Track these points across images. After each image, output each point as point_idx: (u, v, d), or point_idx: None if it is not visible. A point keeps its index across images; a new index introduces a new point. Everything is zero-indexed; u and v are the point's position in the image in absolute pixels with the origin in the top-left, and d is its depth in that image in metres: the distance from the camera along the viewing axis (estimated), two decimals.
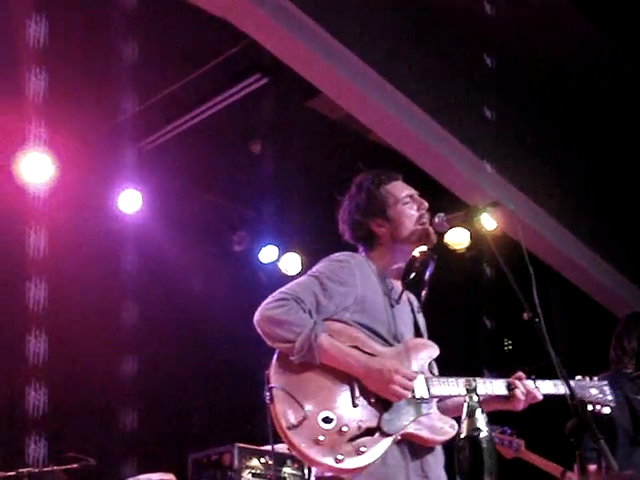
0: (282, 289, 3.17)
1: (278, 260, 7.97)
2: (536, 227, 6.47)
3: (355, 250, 3.42)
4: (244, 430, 6.28)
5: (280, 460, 5.92)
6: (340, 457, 2.94)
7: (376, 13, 5.65)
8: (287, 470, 5.96)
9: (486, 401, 3.14)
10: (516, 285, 3.05)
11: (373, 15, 5.60)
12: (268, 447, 5.67)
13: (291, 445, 2.97)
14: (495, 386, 3.24)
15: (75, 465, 5.19)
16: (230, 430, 6.52)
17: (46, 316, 5.48)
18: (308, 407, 2.99)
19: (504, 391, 3.24)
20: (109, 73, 5.98)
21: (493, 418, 3.53)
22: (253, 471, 5.85)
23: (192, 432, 7.15)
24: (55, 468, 5.07)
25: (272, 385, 3.02)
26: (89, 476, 5.27)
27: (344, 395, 3.06)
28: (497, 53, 5.95)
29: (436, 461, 3.16)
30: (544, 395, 3.29)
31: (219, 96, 6.54)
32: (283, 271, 7.91)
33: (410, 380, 3.06)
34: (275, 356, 3.11)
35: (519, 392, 3.24)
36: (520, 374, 3.29)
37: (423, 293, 3.41)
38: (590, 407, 3.40)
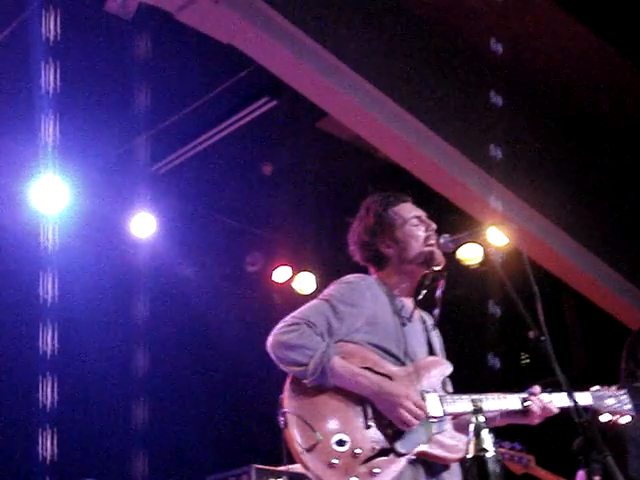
0: (293, 313, 3.21)
1: (292, 280, 7.99)
2: (546, 241, 6.48)
3: (366, 271, 3.46)
4: (260, 451, 6.29)
5: None
6: (354, 479, 2.97)
7: (380, 35, 5.70)
8: None
9: (502, 416, 3.17)
10: (521, 303, 3.08)
11: (377, 37, 5.65)
12: (284, 467, 5.69)
13: (306, 469, 3.00)
14: (509, 401, 3.25)
15: None
16: (246, 452, 6.53)
17: (59, 349, 5.54)
18: (321, 431, 3.01)
19: (518, 406, 3.25)
20: (121, 99, 6.04)
21: (503, 433, 3.55)
22: None
23: (208, 454, 7.16)
24: None
25: (285, 410, 3.05)
26: None
27: (357, 417, 3.08)
28: (507, 67, 5.98)
29: (451, 478, 3.17)
30: (561, 408, 3.27)
31: (229, 120, 6.60)
32: (297, 291, 7.93)
33: (421, 408, 3.07)
34: (288, 380, 3.14)
35: (535, 407, 3.24)
36: (535, 388, 3.29)
37: (436, 311, 3.43)
38: (608, 417, 3.40)
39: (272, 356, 3.15)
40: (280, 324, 3.18)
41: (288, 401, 3.08)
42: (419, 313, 3.45)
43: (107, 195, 6.78)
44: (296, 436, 3.00)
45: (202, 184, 7.22)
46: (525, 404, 3.25)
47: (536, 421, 3.30)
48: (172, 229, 7.13)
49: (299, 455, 2.99)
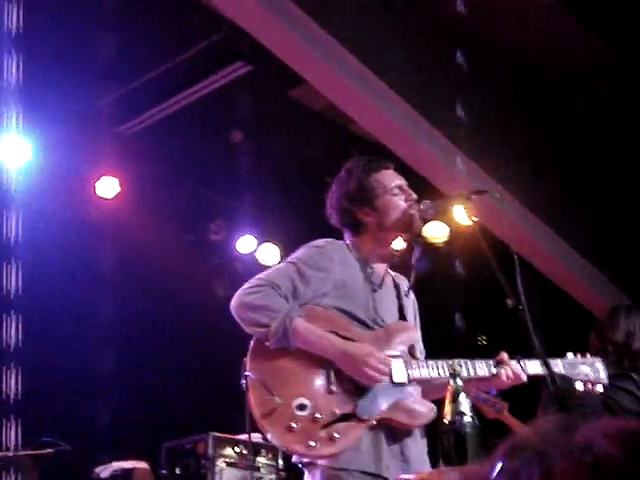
0: (259, 275, 3.20)
1: (256, 250, 7.93)
2: (512, 219, 6.49)
3: (341, 234, 3.44)
4: (219, 419, 6.24)
5: (255, 450, 5.89)
6: (313, 444, 2.96)
7: (362, 3, 5.63)
8: (261, 460, 5.94)
9: (469, 383, 3.16)
10: (500, 273, 3.07)
11: (359, 4, 5.58)
12: (243, 436, 5.65)
13: (265, 432, 3.02)
14: (477, 367, 3.23)
15: (49, 451, 5.14)
16: (205, 419, 6.48)
17: (22, 301, 5.41)
18: (282, 394, 3.00)
19: (486, 372, 3.23)
20: (88, 57, 5.90)
21: None
22: (227, 460, 5.82)
23: (166, 421, 7.11)
24: (29, 453, 5.02)
25: (247, 373, 3.05)
26: (63, 462, 5.23)
27: (319, 381, 3.07)
28: (478, 35, 5.94)
29: (416, 444, 3.17)
30: (530, 376, 3.27)
31: (200, 83, 6.48)
32: (261, 261, 7.87)
33: (385, 365, 3.07)
34: (252, 343, 3.12)
35: (503, 373, 3.22)
36: (503, 354, 3.27)
37: (411, 277, 3.43)
38: (581, 386, 3.38)
39: (235, 317, 3.14)
40: (244, 285, 3.16)
41: (250, 364, 3.08)
42: (392, 279, 3.44)
43: (71, 154, 6.64)
44: (256, 400, 3.01)
45: (169, 148, 7.11)
46: (495, 369, 3.22)
47: (504, 387, 3.29)
48: (136, 192, 7.02)
49: (258, 420, 3.00)
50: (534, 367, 3.24)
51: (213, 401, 7.10)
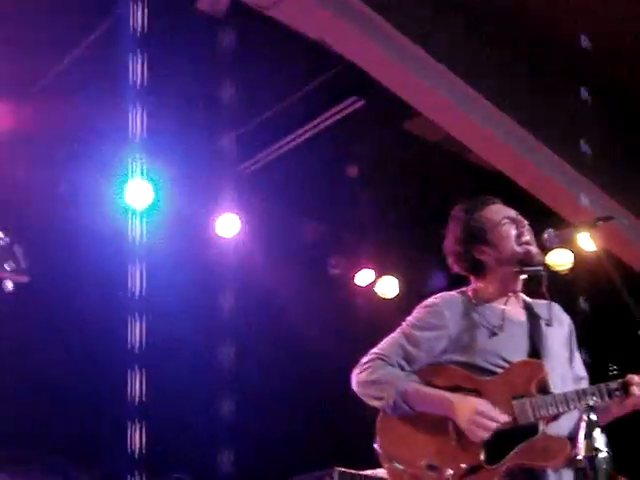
0: (372, 350, 3.30)
1: (374, 283, 7.92)
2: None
3: (467, 280, 3.42)
4: (342, 452, 6.22)
5: None
6: None
7: (473, 31, 5.60)
8: None
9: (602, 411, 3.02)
10: (630, 299, 3.00)
11: (473, 34, 5.55)
12: (368, 471, 5.60)
13: None
14: (605, 390, 3.10)
15: None
16: (328, 453, 6.46)
17: (146, 346, 5.59)
18: (409, 460, 3.08)
19: (618, 392, 3.10)
20: (209, 97, 6.05)
21: None
22: None
23: (292, 453, 7.12)
24: None
25: (375, 445, 3.18)
26: None
27: (443, 438, 3.08)
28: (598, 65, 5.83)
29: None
30: None
31: (315, 120, 6.57)
32: (380, 294, 7.85)
33: (491, 419, 3.02)
34: (379, 416, 3.22)
35: (636, 389, 3.08)
36: (633, 376, 3.13)
37: (550, 304, 3.34)
38: None
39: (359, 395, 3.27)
40: (360, 362, 3.28)
41: (378, 436, 3.19)
42: (527, 311, 3.35)
43: (193, 194, 6.80)
44: (387, 471, 3.17)
45: (287, 185, 7.21)
46: (629, 389, 3.07)
47: (628, 410, 3.16)
48: (256, 229, 7.12)
49: None
50: None
51: (334, 434, 7.11)
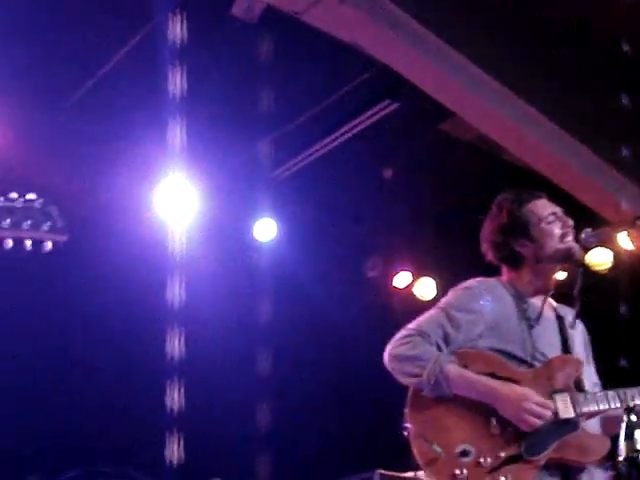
0: (408, 325, 3.22)
1: (412, 285, 7.91)
2: None
3: (499, 270, 3.39)
4: (382, 456, 6.22)
5: None
6: None
7: (507, 32, 5.58)
8: None
9: None
10: None
11: (505, 35, 5.54)
12: (410, 474, 5.60)
13: None
14: None
15: None
16: (368, 457, 6.47)
17: (186, 352, 5.63)
18: (443, 443, 3.01)
19: None
20: (246, 103, 6.09)
21: None
22: None
23: (332, 458, 7.14)
24: None
25: (407, 425, 3.08)
26: None
27: (480, 425, 3.04)
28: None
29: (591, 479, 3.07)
30: None
31: (350, 123, 6.59)
32: (418, 296, 7.85)
33: (544, 407, 3.00)
34: (409, 394, 3.14)
35: None
36: None
37: (576, 307, 3.33)
38: None
39: (389, 369, 3.17)
40: (395, 337, 3.19)
41: (409, 415, 3.10)
42: (555, 311, 3.36)
43: (231, 200, 6.86)
44: (418, 450, 3.04)
45: (323, 188, 7.23)
46: None
47: None
48: (293, 234, 7.15)
49: (423, 468, 3.04)
50: None
51: (381, 437, 7.10)
